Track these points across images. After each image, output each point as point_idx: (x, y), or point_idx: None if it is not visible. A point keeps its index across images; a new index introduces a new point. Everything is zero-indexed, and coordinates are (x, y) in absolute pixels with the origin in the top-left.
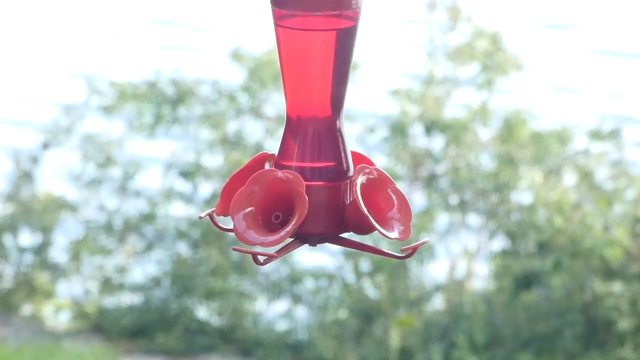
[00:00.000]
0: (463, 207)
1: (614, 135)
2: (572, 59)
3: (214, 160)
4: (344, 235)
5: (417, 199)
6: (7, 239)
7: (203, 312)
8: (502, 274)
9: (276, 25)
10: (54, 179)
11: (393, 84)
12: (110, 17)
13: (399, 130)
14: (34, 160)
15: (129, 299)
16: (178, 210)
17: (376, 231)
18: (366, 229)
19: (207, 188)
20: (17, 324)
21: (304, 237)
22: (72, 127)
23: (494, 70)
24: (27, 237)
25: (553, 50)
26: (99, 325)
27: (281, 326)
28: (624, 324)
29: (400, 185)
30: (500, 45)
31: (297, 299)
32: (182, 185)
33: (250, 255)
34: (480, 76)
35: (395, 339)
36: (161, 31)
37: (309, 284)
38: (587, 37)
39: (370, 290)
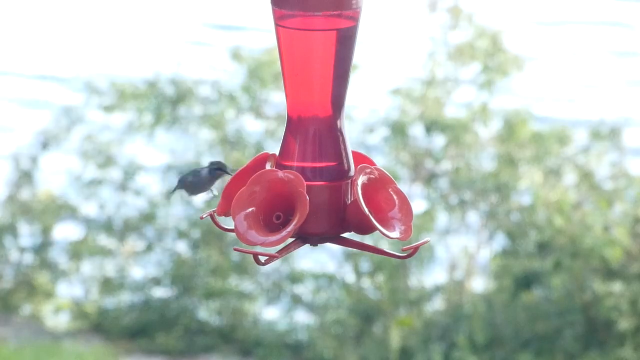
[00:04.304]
0: (463, 207)
1: (614, 135)
2: (573, 58)
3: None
4: (345, 235)
5: (417, 199)
6: (7, 239)
7: (203, 312)
8: (502, 274)
9: (276, 25)
10: (54, 179)
11: (393, 84)
12: (111, 17)
13: (399, 130)
14: (34, 160)
15: (129, 299)
16: (178, 211)
17: (377, 231)
18: (367, 228)
19: None
20: (17, 324)
21: (305, 237)
22: (72, 127)
23: (494, 71)
24: (27, 237)
25: (553, 49)
26: (99, 325)
27: (281, 326)
28: (624, 324)
29: (400, 185)
30: (501, 45)
31: (297, 299)
32: None
33: (251, 255)
34: (481, 76)
35: (395, 339)
36: (161, 31)
37: (309, 284)
38: (587, 36)
39: (370, 290)
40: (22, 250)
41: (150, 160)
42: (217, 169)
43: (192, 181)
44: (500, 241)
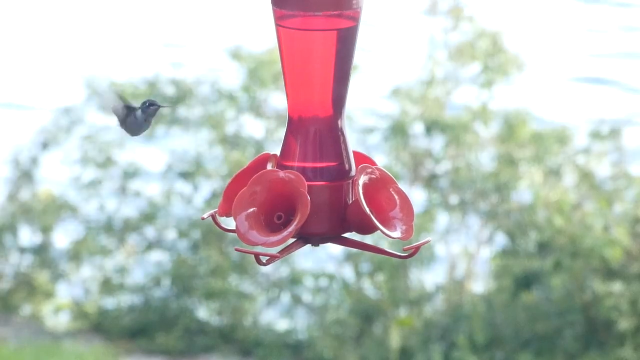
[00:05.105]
0: (463, 207)
1: (614, 135)
2: (573, 58)
3: (214, 160)
4: (346, 235)
5: (417, 199)
6: (7, 239)
7: (203, 312)
8: (502, 274)
9: (277, 25)
10: (54, 179)
11: (393, 84)
12: (111, 17)
13: (399, 130)
14: (34, 160)
15: (129, 299)
16: (178, 211)
17: (378, 230)
18: (368, 228)
19: (207, 188)
20: (17, 324)
21: (306, 237)
22: (72, 127)
23: (494, 71)
24: (27, 237)
25: (553, 50)
26: (99, 325)
27: (281, 326)
28: (624, 324)
29: (401, 185)
30: (501, 45)
31: (297, 299)
32: (182, 185)
33: (253, 255)
34: (481, 76)
35: (395, 339)
36: (161, 31)
37: (309, 284)
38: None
39: (370, 290)
40: (22, 250)
41: (150, 160)
42: (148, 106)
43: (130, 123)
44: (500, 241)
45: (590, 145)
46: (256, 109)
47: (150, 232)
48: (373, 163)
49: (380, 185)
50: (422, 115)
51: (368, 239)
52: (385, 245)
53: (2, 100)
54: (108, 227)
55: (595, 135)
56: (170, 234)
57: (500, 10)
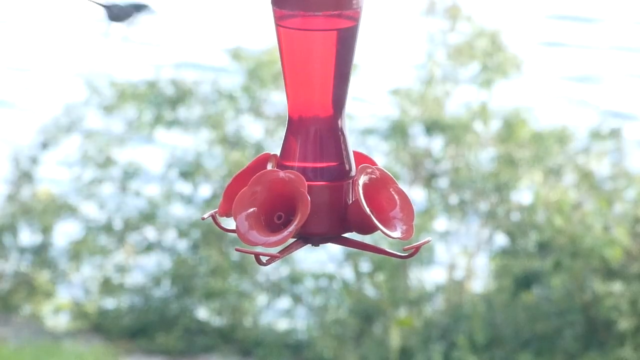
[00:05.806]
0: (463, 207)
1: (614, 135)
2: (572, 57)
3: (214, 160)
4: (346, 235)
5: (417, 199)
6: (7, 239)
7: (203, 312)
8: (502, 274)
9: (277, 25)
10: (54, 179)
11: (393, 84)
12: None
13: (399, 130)
14: (34, 160)
15: (129, 299)
16: (178, 210)
17: (378, 230)
18: (369, 228)
19: (207, 188)
20: (17, 324)
21: (306, 237)
22: (72, 127)
23: (493, 70)
24: (27, 237)
25: (553, 48)
26: (99, 325)
27: (281, 326)
28: (624, 324)
29: (401, 185)
30: (500, 44)
31: (297, 299)
32: (182, 186)
33: (253, 255)
34: (480, 76)
35: (395, 339)
36: (161, 31)
37: (309, 284)
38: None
39: (370, 290)
40: (22, 250)
41: (150, 160)
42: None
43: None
44: (500, 241)
45: (590, 145)
46: (256, 109)
47: (150, 232)
48: (373, 163)
49: (381, 185)
50: (422, 116)
51: (368, 239)
52: (385, 245)
53: (2, 100)
54: (108, 227)
55: (595, 135)
56: (170, 234)
57: (497, 10)
